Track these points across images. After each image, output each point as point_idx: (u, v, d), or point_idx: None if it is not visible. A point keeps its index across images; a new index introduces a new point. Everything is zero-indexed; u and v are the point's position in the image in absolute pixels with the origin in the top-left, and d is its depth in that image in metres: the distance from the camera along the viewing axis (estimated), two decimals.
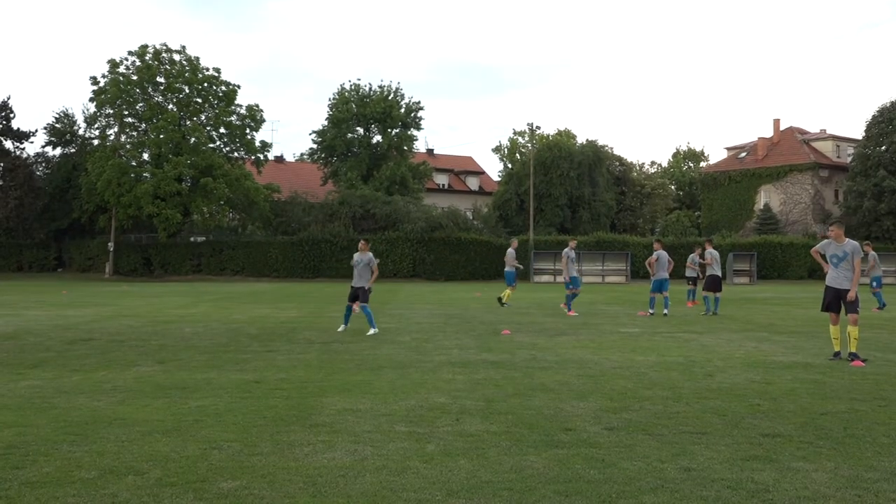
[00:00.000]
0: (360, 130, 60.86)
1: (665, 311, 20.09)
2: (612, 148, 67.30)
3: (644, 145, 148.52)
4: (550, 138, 71.08)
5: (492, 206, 61.79)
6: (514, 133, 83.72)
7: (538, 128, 65.98)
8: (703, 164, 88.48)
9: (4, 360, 11.27)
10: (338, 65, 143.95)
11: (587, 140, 64.49)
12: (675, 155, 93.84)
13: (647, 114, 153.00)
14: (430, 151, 75.64)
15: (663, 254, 20.73)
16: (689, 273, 24.42)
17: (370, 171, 58.93)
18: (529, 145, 65.71)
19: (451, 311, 21.43)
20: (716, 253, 21.72)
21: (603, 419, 7.32)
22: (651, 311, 20.18)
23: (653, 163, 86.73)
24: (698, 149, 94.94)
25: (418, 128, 61.79)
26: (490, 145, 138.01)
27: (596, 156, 62.10)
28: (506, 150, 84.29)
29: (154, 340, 13.93)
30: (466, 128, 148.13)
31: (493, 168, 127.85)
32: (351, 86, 60.98)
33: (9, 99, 53.13)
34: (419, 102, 61.20)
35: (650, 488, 5.22)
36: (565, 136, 76.05)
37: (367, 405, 7.94)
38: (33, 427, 6.87)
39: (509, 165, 75.64)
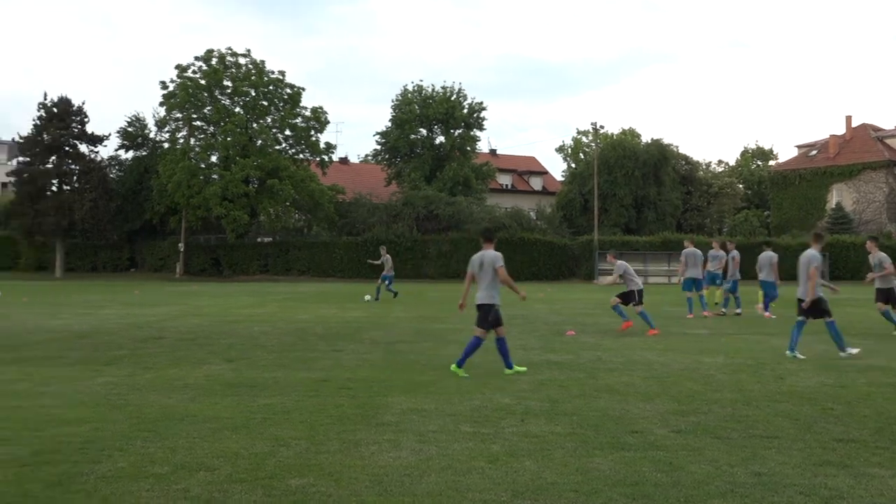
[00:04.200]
0: (423, 131, 61.05)
1: (738, 310, 19.69)
2: (677, 147, 66.19)
3: (711, 144, 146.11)
4: (615, 137, 70.31)
5: (555, 206, 61.41)
6: (578, 133, 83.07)
7: (602, 127, 65.15)
8: (772, 162, 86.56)
9: (81, 357, 11.61)
10: (401, 66, 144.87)
11: (652, 139, 63.65)
12: (744, 153, 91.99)
13: (714, 112, 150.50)
14: (493, 152, 75.53)
15: (691, 251, 19.89)
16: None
17: (433, 171, 59.08)
18: (593, 145, 65.14)
19: (515, 312, 21.36)
20: (720, 253, 20.78)
21: (670, 422, 7.23)
22: (705, 311, 19.54)
23: (720, 161, 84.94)
24: (767, 147, 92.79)
25: (481, 128, 61.75)
26: (553, 145, 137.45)
27: (661, 155, 61.26)
28: (569, 149, 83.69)
29: (223, 339, 14.20)
30: (530, 128, 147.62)
31: (557, 168, 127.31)
32: (414, 87, 61.26)
33: (83, 104, 54.54)
34: (482, 103, 61.14)
35: (719, 493, 5.14)
36: (630, 135, 75.20)
37: (432, 405, 7.97)
38: (109, 423, 7.07)
39: (573, 165, 75.05)
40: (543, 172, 78.91)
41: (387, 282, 27.64)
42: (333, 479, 5.36)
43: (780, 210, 68.15)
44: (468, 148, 61.07)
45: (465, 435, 6.67)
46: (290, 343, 13.61)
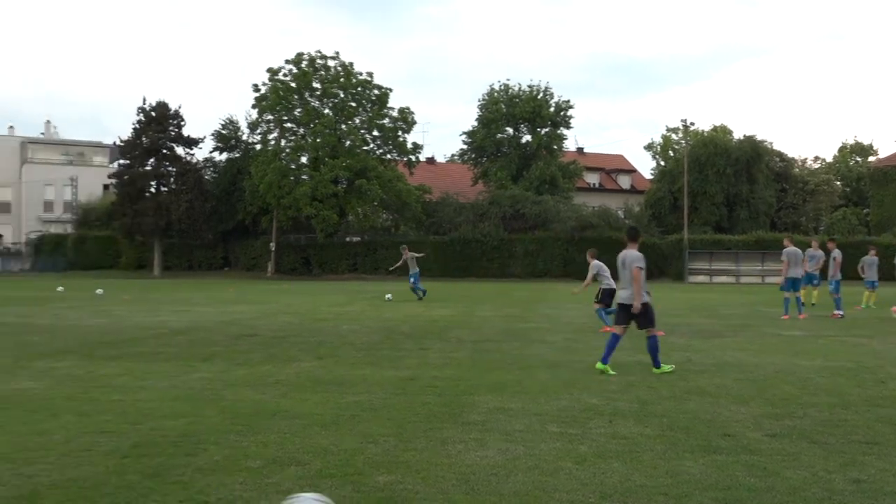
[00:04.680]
0: (510, 130, 60.91)
1: (839, 311, 19.03)
2: (771, 143, 64.37)
3: (807, 140, 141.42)
4: (705, 134, 68.78)
5: (644, 205, 60.45)
6: (667, 130, 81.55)
7: (692, 124, 63.89)
8: (872, 158, 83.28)
9: (178, 353, 11.98)
10: (488, 66, 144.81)
11: (745, 135, 62.02)
12: (841, 149, 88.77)
13: (810, 107, 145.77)
14: (580, 150, 74.83)
15: (793, 250, 19.24)
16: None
17: (520, 170, 58.89)
18: (683, 142, 63.89)
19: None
20: (796, 251, 19.46)
21: (764, 425, 7.03)
22: (801, 314, 18.87)
23: (816, 158, 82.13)
24: (867, 142, 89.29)
25: (568, 126, 61.26)
26: (642, 143, 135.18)
27: (754, 151, 59.66)
28: (658, 147, 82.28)
29: (313, 337, 14.45)
30: (617, 125, 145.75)
31: (645, 166, 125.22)
32: (500, 86, 61.17)
33: (180, 108, 56.35)
34: (568, 101, 60.62)
35: (816, 500, 4.98)
36: (721, 131, 73.39)
37: (519, 404, 7.94)
38: (204, 417, 7.28)
39: (662, 163, 73.74)
40: (631, 171, 77.80)
41: (412, 280, 27.25)
42: (421, 477, 5.40)
43: (880, 207, 65.46)
44: (555, 146, 60.65)
45: (552, 435, 6.63)
46: (377, 341, 13.77)
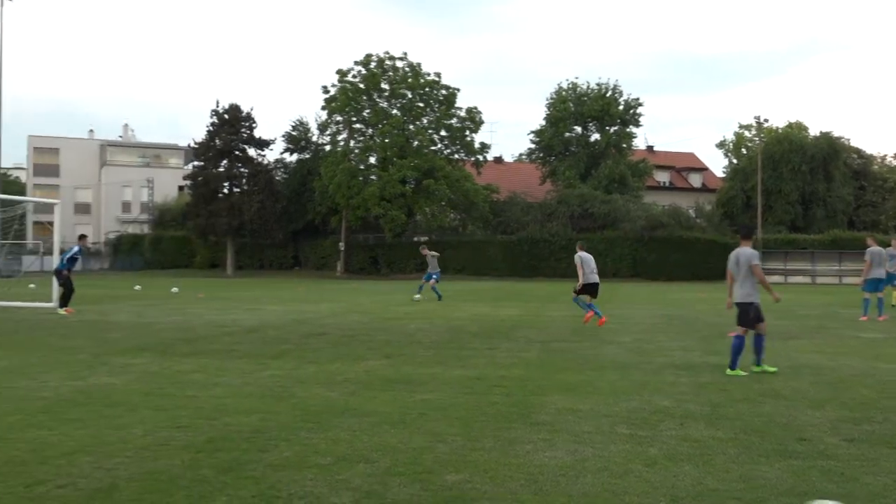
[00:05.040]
0: (578, 129, 60.48)
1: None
2: (849, 139, 62.51)
3: (886, 136, 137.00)
4: (780, 131, 67.18)
5: (716, 204, 59.37)
6: (740, 127, 79.83)
7: (766, 121, 62.51)
8: None
9: (249, 351, 12.21)
10: (556, 64, 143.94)
11: (821, 132, 60.44)
12: None
13: (889, 102, 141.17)
14: (649, 148, 73.85)
15: (876, 250, 18.55)
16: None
17: (588, 169, 58.44)
18: (757, 139, 62.53)
19: (674, 312, 20.85)
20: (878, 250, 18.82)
21: (842, 430, 6.84)
22: (881, 316, 18.13)
23: None
24: None
25: (637, 125, 60.56)
26: (714, 140, 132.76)
27: (831, 148, 58.09)
28: (731, 144, 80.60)
29: (381, 336, 14.56)
30: (689, 123, 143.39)
31: (717, 164, 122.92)
32: (568, 85, 60.80)
33: (252, 110, 57.40)
34: (638, 99, 59.94)
35: None
36: (796, 128, 71.56)
37: (588, 405, 7.88)
38: (275, 414, 7.40)
39: (734, 161, 72.30)
40: (703, 169, 76.44)
41: (433, 279, 26.30)
42: (489, 477, 5.39)
43: None
44: (624, 145, 60.03)
45: (622, 437, 6.56)
46: (445, 340, 13.80)
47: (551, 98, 60.83)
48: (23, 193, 69.54)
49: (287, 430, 6.72)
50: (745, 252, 10.19)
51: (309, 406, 7.77)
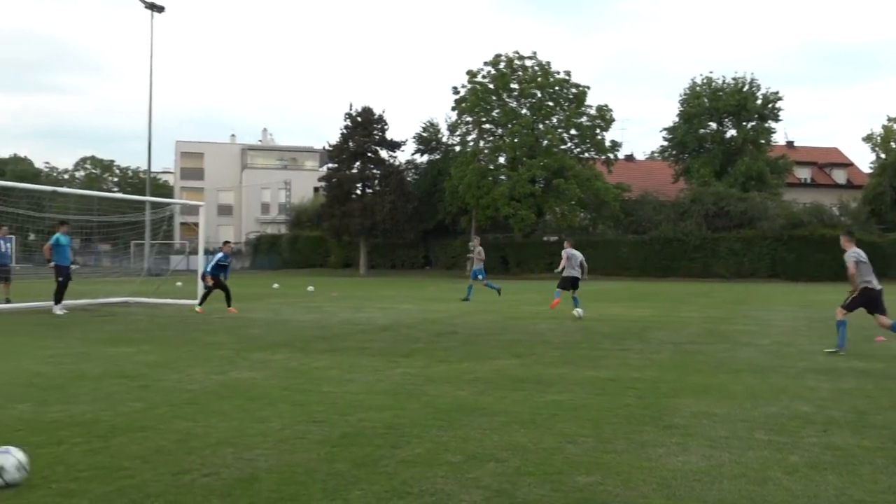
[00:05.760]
0: (713, 125, 58.78)
1: None
2: None
3: None
4: None
5: (861, 201, 56.37)
6: (888, 120, 75.63)
7: None
8: None
9: (382, 349, 12.46)
10: (689, 60, 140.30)
11: None
12: None
13: None
14: (789, 144, 70.99)
15: None
16: None
17: (724, 166, 56.71)
18: None
19: (815, 315, 19.95)
20: None
21: None
22: None
23: None
24: None
25: (776, 119, 58.31)
26: (860, 134, 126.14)
27: None
28: (878, 138, 76.43)
29: (510, 335, 14.57)
30: (832, 117, 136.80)
31: (863, 159, 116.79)
32: (703, 79, 59.21)
33: (383, 113, 58.55)
34: (777, 92, 57.72)
35: None
36: None
37: (724, 409, 7.65)
38: (407, 411, 7.52)
39: (882, 155, 68.50)
40: (847, 164, 72.85)
41: (479, 277, 26.13)
42: (621, 479, 5.32)
43: None
44: (762, 141, 57.96)
45: (760, 443, 6.33)
46: (575, 341, 13.69)
47: (685, 94, 59.39)
48: (171, 196, 73.32)
49: (418, 427, 6.82)
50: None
51: (439, 404, 7.86)
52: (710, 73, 66.95)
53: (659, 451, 6.03)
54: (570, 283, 19.23)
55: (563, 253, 19.36)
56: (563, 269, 19.29)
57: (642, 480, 5.30)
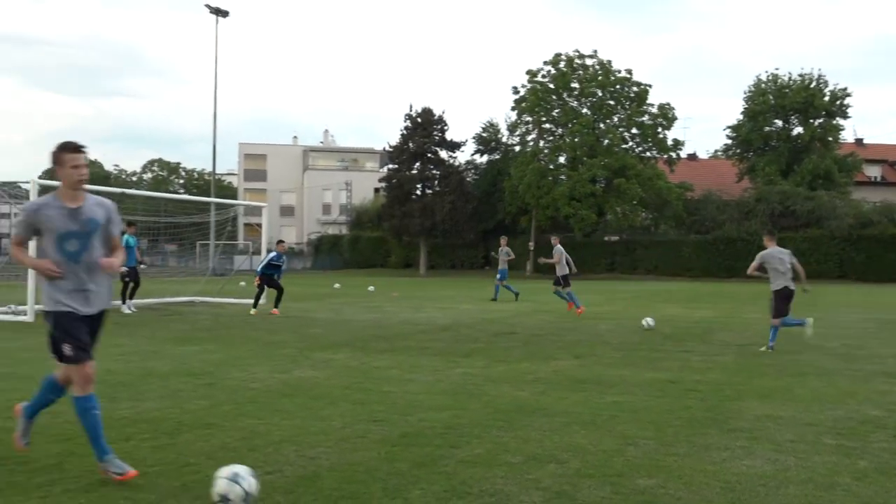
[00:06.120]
0: (779, 123, 57.56)
1: None
2: None
3: None
4: None
5: None
6: None
7: None
8: None
9: (442, 349, 12.49)
10: (753, 56, 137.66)
11: None
12: None
13: None
14: (859, 141, 69.12)
15: None
16: None
17: (790, 165, 55.49)
18: None
19: (886, 317, 19.41)
20: None
21: None
22: None
23: None
24: None
25: (845, 116, 56.82)
26: None
27: None
28: None
29: (570, 336, 14.49)
30: None
31: None
32: (768, 76, 57.99)
33: (443, 113, 58.65)
34: (845, 89, 56.18)
35: None
36: None
37: (789, 413, 7.50)
38: (466, 411, 7.54)
39: None
40: None
41: (499, 277, 26.74)
42: (683, 483, 5.25)
43: None
44: (830, 138, 56.53)
45: (827, 447, 6.19)
46: (635, 342, 13.55)
47: (749, 91, 58.26)
48: (235, 197, 74.56)
49: (478, 427, 6.82)
50: None
51: (499, 404, 7.85)
52: (776, 69, 65.22)
53: (723, 455, 5.94)
54: (564, 281, 20.75)
55: (558, 249, 20.65)
56: (559, 265, 20.76)
57: (705, 484, 5.23)
